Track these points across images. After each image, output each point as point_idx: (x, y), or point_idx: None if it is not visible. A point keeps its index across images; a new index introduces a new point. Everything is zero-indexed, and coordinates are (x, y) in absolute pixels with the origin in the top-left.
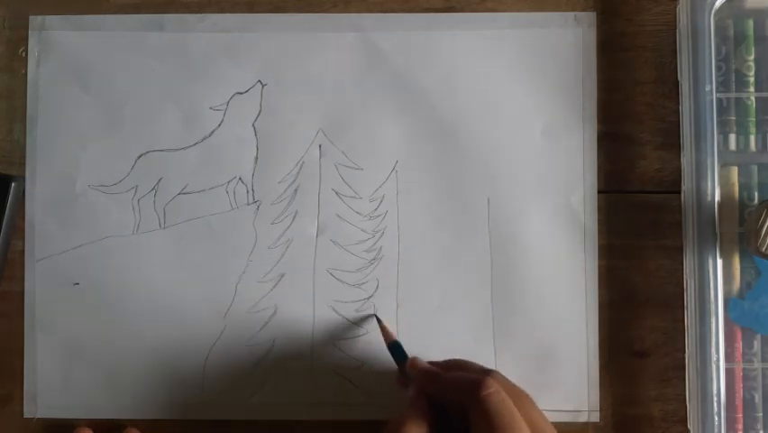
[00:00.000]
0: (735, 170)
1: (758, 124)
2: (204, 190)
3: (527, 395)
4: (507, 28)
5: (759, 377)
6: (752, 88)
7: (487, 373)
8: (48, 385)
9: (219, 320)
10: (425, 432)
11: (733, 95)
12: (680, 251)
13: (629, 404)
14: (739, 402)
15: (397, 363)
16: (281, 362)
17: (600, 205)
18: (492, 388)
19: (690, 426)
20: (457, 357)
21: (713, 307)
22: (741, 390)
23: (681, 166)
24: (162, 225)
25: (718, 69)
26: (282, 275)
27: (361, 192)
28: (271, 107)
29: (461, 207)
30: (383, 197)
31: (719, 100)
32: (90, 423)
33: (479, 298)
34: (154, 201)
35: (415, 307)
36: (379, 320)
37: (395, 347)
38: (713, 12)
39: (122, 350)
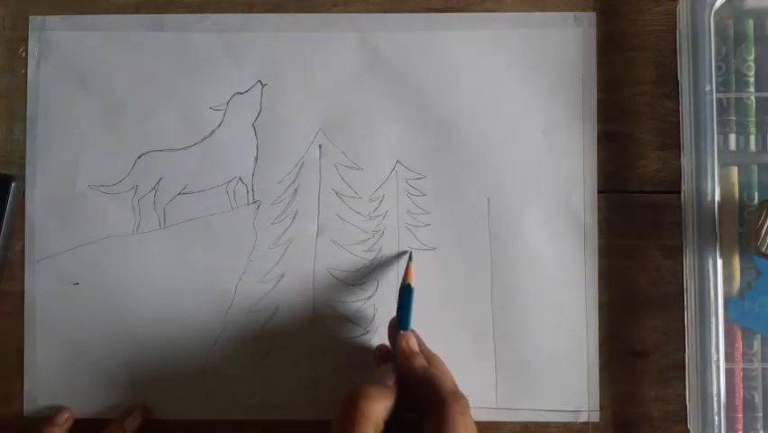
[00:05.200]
0: (735, 170)
1: (758, 124)
2: (204, 190)
3: None
4: (507, 28)
5: (759, 377)
6: (752, 88)
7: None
8: (48, 385)
9: (219, 320)
10: (387, 407)
11: (733, 95)
12: (680, 251)
13: (629, 404)
14: (739, 402)
15: (397, 319)
16: (281, 362)
17: (600, 205)
18: (467, 407)
19: (690, 426)
20: (457, 356)
21: (713, 307)
22: (741, 390)
23: (681, 166)
24: (162, 225)
25: (718, 69)
26: (282, 275)
27: (360, 192)
28: (271, 107)
29: (461, 207)
30: (383, 197)
31: (719, 100)
32: (90, 423)
33: (479, 298)
34: (154, 201)
35: (415, 306)
36: (411, 258)
37: (405, 293)
38: (713, 12)
39: (122, 350)
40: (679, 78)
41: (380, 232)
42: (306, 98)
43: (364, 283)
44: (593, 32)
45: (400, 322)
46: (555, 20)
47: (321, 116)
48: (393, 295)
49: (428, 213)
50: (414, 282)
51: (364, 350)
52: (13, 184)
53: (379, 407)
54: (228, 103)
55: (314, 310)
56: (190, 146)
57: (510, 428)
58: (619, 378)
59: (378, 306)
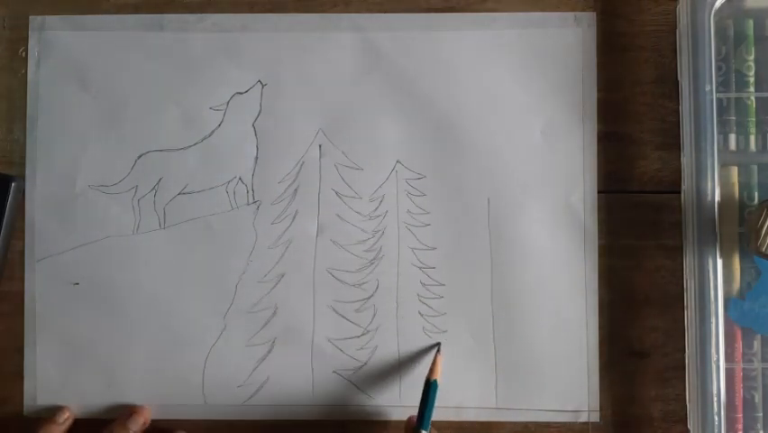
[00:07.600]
0: (735, 170)
1: (758, 124)
2: (204, 190)
3: None
4: (507, 28)
5: (759, 377)
6: (752, 88)
7: None
8: (48, 385)
9: (219, 320)
10: None
11: (733, 95)
12: (680, 251)
13: (629, 404)
14: (739, 402)
15: (418, 415)
16: (281, 362)
17: (600, 205)
18: None
19: (690, 426)
20: (457, 356)
21: (713, 307)
22: (741, 390)
23: (681, 166)
24: (162, 225)
25: (718, 69)
26: (282, 275)
27: (361, 192)
28: (271, 107)
29: (461, 207)
30: (383, 197)
31: (719, 100)
32: (90, 423)
33: (479, 297)
34: (154, 201)
35: (414, 307)
36: (438, 351)
37: (430, 389)
38: (713, 12)
39: (121, 350)
40: (679, 78)
41: (380, 232)
42: (306, 98)
43: (364, 283)
44: (593, 32)
45: (419, 419)
46: (555, 20)
47: (321, 116)
48: (393, 295)
49: (428, 213)
50: (440, 377)
51: (364, 350)
52: (13, 184)
53: None
54: (228, 103)
55: (314, 310)
56: (190, 146)
57: (510, 428)
58: (619, 378)
59: (378, 306)
